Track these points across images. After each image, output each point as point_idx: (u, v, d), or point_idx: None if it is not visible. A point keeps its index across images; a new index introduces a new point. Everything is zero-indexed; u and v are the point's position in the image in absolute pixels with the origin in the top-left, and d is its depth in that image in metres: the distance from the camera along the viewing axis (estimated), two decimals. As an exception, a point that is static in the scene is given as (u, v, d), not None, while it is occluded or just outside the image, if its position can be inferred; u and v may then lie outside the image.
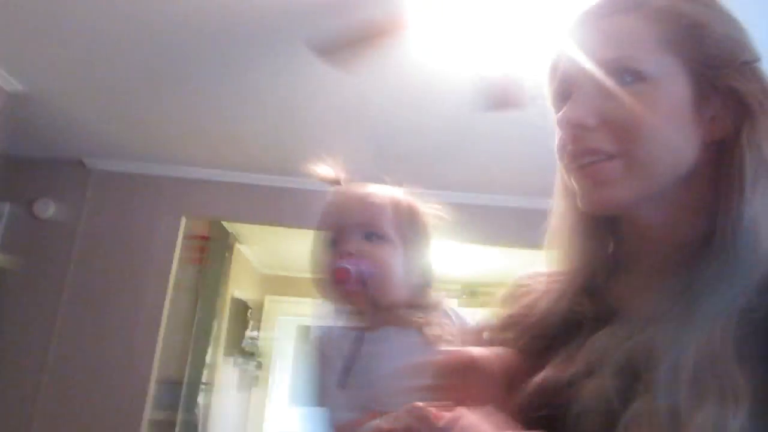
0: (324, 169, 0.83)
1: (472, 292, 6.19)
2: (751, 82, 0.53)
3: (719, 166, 0.53)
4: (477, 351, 0.64)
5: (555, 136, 0.59)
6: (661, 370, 0.45)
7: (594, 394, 0.47)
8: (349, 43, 1.77)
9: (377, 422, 0.60)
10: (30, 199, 3.75)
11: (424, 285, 0.79)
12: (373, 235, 0.74)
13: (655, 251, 0.58)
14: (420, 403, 0.56)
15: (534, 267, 0.75)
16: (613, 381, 0.47)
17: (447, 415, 0.55)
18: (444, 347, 0.69)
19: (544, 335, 0.60)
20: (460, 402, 0.58)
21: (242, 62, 2.52)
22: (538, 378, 0.55)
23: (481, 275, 5.77)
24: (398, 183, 0.83)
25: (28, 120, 3.24)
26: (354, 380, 0.67)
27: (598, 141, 0.55)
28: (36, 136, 3.51)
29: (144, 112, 3.11)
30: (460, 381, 0.61)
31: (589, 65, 0.55)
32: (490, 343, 0.69)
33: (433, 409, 0.56)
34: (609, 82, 0.54)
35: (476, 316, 0.75)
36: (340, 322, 0.77)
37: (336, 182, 0.83)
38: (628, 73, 0.53)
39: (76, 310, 3.62)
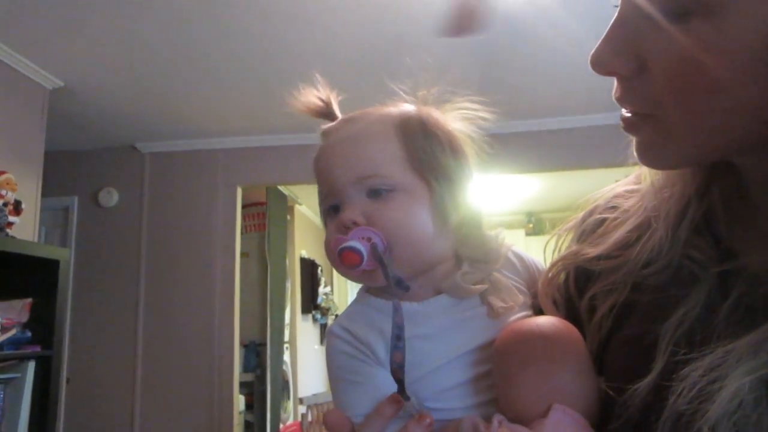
0: (308, 98, 0.59)
1: (537, 220, 6.02)
2: None
3: None
4: (549, 324, 0.51)
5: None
6: None
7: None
8: None
9: None
10: (94, 190, 3.92)
11: (472, 225, 0.58)
12: (379, 189, 0.53)
13: None
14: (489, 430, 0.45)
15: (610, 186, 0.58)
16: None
17: None
18: (511, 320, 0.54)
19: (651, 286, 0.47)
20: (534, 395, 0.47)
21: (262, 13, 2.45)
22: (651, 379, 0.41)
23: (548, 202, 5.58)
24: (412, 96, 0.59)
25: (75, 114, 3.35)
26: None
27: (632, 94, 0.42)
28: (86, 129, 3.63)
29: (181, 91, 3.12)
30: (532, 368, 0.48)
31: None
32: (568, 296, 0.54)
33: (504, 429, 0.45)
34: (657, 14, 0.38)
35: (547, 252, 0.59)
36: (374, 298, 0.60)
37: (326, 113, 0.60)
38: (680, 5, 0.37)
39: (155, 288, 3.82)
